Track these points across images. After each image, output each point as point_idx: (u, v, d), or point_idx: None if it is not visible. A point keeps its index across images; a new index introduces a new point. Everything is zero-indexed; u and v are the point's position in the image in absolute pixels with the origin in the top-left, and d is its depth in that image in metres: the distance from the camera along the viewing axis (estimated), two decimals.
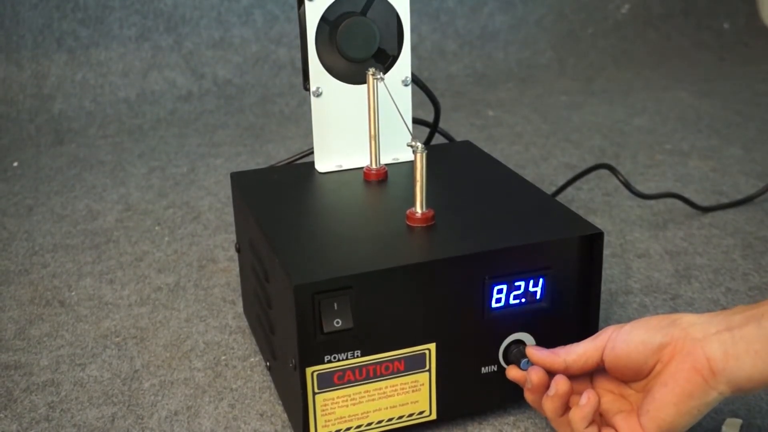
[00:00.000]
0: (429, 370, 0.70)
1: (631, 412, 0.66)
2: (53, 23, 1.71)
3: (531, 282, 0.71)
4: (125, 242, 1.12)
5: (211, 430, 0.75)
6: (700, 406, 0.61)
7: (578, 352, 0.67)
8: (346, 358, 0.67)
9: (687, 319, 0.64)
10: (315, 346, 0.66)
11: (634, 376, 0.66)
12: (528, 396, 0.69)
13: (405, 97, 0.88)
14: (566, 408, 0.67)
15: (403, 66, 0.87)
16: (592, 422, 0.65)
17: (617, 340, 0.65)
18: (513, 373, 0.71)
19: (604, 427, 0.66)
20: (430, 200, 0.73)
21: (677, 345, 0.62)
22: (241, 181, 0.86)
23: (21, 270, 1.06)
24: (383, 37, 0.85)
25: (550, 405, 0.66)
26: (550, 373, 0.68)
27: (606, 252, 1.03)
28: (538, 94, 1.77)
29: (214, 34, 1.80)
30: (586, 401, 0.64)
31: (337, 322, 0.66)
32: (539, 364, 0.68)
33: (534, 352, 0.69)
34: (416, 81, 0.91)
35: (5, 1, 1.68)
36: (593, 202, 1.20)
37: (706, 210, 1.15)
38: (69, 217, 1.21)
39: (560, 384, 0.65)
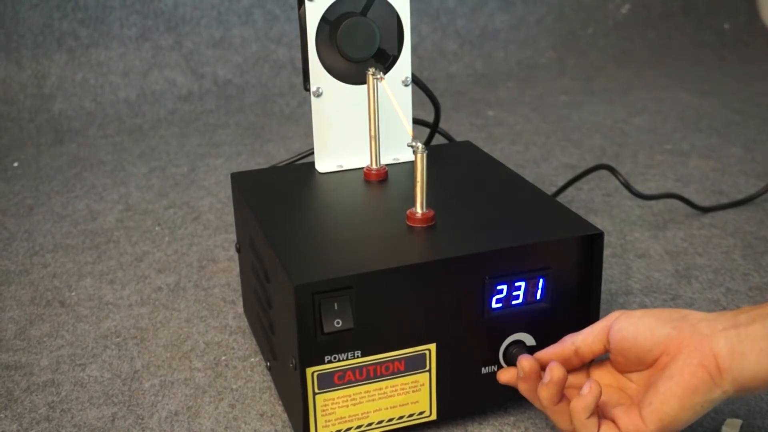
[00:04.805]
0: (429, 371, 0.70)
1: (631, 405, 0.66)
2: (53, 23, 1.71)
3: (531, 282, 0.71)
4: (125, 242, 1.12)
5: (212, 430, 0.75)
6: (704, 402, 0.61)
7: (586, 333, 0.68)
8: (347, 359, 0.67)
9: (696, 315, 0.64)
10: (315, 346, 0.66)
11: (637, 364, 0.66)
12: (521, 386, 0.68)
13: (405, 97, 0.88)
14: (562, 396, 0.66)
15: (404, 66, 0.87)
16: (592, 413, 0.64)
17: (626, 322, 0.66)
18: (505, 376, 0.71)
19: (602, 419, 0.66)
20: (431, 200, 0.73)
21: (685, 339, 0.62)
22: (241, 182, 0.86)
23: (21, 270, 1.06)
24: (383, 37, 0.85)
25: (545, 393, 0.65)
26: (544, 368, 0.68)
27: (606, 252, 1.03)
28: (538, 93, 1.77)
29: (215, 34, 1.80)
30: (588, 390, 0.63)
31: (338, 323, 0.66)
32: (550, 359, 0.68)
33: (541, 352, 0.69)
34: (416, 81, 0.91)
35: (5, 0, 1.68)
36: (593, 203, 1.20)
37: (706, 210, 1.15)
38: (69, 217, 1.21)
39: (555, 370, 0.65)
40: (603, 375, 0.70)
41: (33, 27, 1.70)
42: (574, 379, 0.70)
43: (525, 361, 0.67)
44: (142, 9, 1.76)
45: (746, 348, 0.60)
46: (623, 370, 0.68)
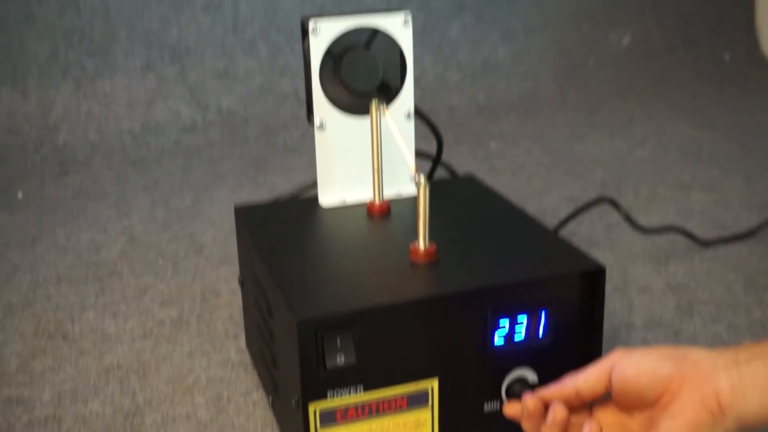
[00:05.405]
0: (431, 407, 0.70)
1: None
2: (59, 54, 1.72)
3: (533, 317, 0.71)
4: (128, 275, 1.13)
5: None
6: None
7: (587, 374, 0.68)
8: (349, 394, 0.67)
9: (697, 352, 0.64)
10: (318, 381, 0.66)
11: (639, 403, 0.66)
12: (525, 424, 0.68)
13: (408, 129, 0.88)
14: None
15: (406, 99, 0.88)
16: None
17: (627, 363, 0.66)
18: (510, 410, 0.71)
19: None
20: (433, 235, 0.74)
21: (686, 377, 0.62)
22: (245, 215, 0.86)
23: (24, 302, 1.06)
24: (386, 70, 0.86)
25: None
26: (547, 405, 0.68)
27: (608, 286, 1.03)
28: (540, 125, 1.78)
29: (219, 65, 1.81)
30: (588, 431, 0.63)
31: (340, 358, 0.66)
32: (551, 398, 0.68)
33: (542, 391, 0.69)
34: (419, 114, 0.92)
35: (12, 31, 1.70)
36: (595, 236, 1.20)
37: (707, 244, 1.15)
38: (73, 249, 1.22)
39: (557, 411, 0.65)
40: (606, 414, 0.70)
41: (39, 57, 1.71)
42: (577, 418, 0.70)
43: (529, 400, 0.67)
44: (147, 40, 1.77)
45: (748, 385, 0.60)
46: (626, 408, 0.68)
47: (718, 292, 1.03)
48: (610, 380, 0.67)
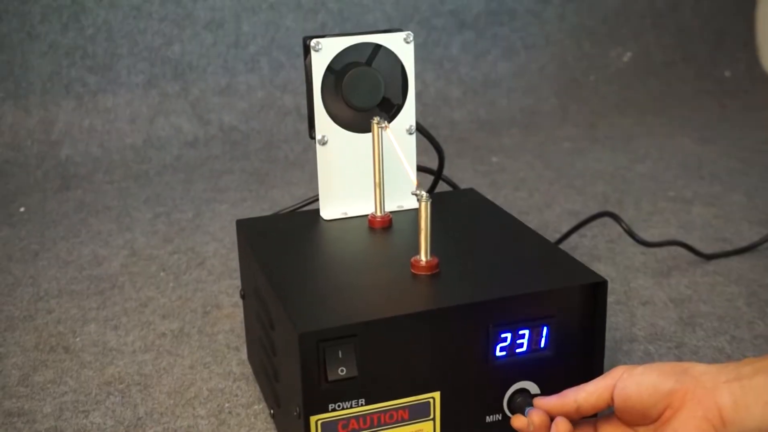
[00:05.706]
0: (433, 419, 0.70)
1: None
2: (62, 70, 1.73)
3: (535, 330, 0.71)
4: (130, 288, 1.13)
5: None
6: None
7: (588, 390, 0.68)
8: (351, 407, 0.67)
9: (698, 368, 0.64)
10: (319, 394, 0.66)
11: (642, 419, 0.66)
12: None
13: (409, 145, 0.89)
14: None
15: (408, 115, 0.88)
16: None
17: (629, 381, 0.66)
18: (518, 422, 0.71)
19: None
20: (435, 248, 0.74)
21: (688, 392, 0.62)
22: (246, 229, 0.86)
23: (26, 316, 1.06)
24: (388, 86, 0.86)
25: None
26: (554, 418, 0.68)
27: (610, 299, 1.03)
28: (541, 140, 1.78)
29: (221, 81, 1.82)
30: None
31: (342, 371, 0.66)
32: (551, 412, 0.68)
33: (542, 401, 0.69)
34: (421, 129, 0.92)
35: (15, 48, 1.70)
36: (597, 249, 1.20)
37: (709, 257, 1.15)
38: (74, 263, 1.22)
39: (561, 425, 0.65)
40: (609, 428, 0.69)
41: (42, 74, 1.72)
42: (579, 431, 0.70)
43: (535, 415, 0.67)
44: (149, 56, 1.78)
45: (750, 400, 0.60)
46: (629, 423, 0.68)
47: (720, 305, 1.03)
48: (612, 397, 0.67)
